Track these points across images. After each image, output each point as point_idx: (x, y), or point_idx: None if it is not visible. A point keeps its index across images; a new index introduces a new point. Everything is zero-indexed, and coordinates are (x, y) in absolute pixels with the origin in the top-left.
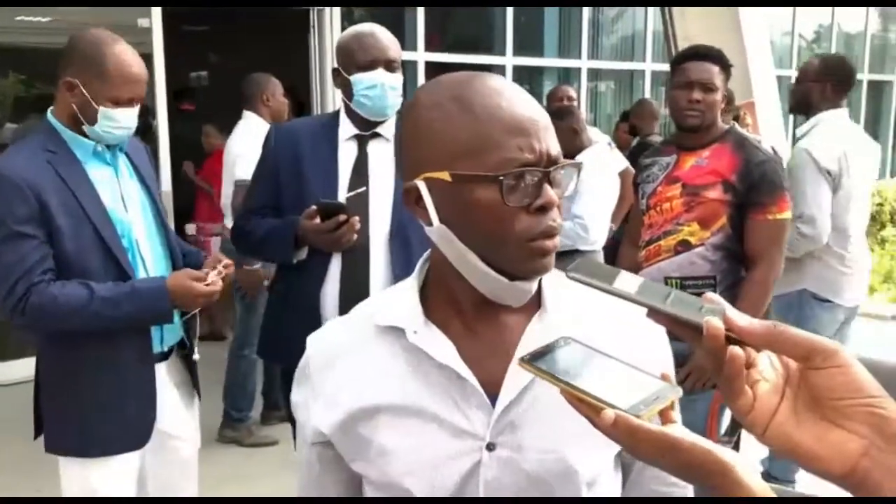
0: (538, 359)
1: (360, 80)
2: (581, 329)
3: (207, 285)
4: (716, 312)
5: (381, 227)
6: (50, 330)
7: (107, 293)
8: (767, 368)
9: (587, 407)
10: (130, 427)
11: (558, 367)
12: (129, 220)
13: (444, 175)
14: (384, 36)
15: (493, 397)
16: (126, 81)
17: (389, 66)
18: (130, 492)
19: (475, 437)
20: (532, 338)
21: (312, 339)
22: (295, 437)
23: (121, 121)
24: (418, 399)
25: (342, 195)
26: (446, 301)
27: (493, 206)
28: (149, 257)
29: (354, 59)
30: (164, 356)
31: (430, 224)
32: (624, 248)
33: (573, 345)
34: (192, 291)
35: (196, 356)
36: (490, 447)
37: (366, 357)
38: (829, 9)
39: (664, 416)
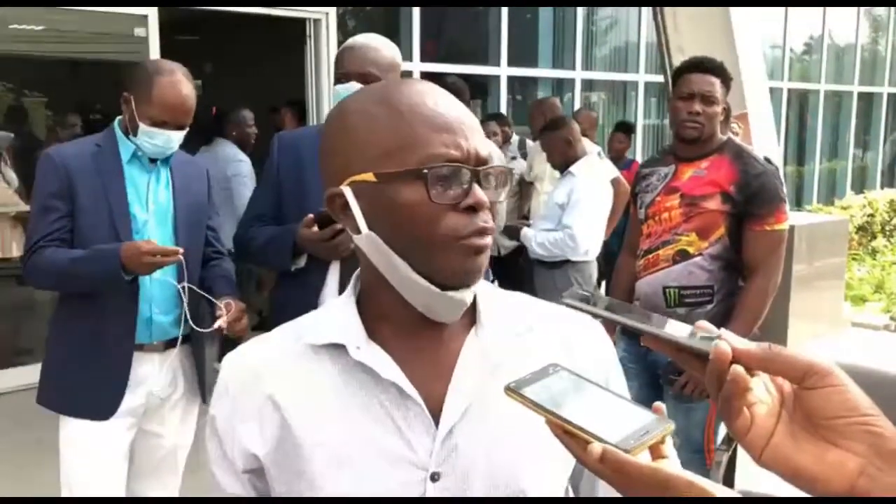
0: (524, 387)
1: (335, 91)
2: (519, 341)
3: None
4: (711, 337)
5: None
6: (43, 287)
7: (78, 254)
8: (762, 392)
9: (573, 440)
10: (94, 397)
11: (544, 397)
12: (145, 219)
13: (369, 176)
14: (367, 48)
15: (435, 420)
16: (164, 108)
17: (364, 78)
18: (107, 464)
19: (418, 466)
20: (469, 354)
21: (231, 359)
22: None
23: (155, 139)
24: (357, 425)
25: None
26: (380, 318)
27: (418, 204)
28: None
29: (335, 71)
30: (157, 349)
31: (358, 232)
32: (622, 257)
33: (561, 373)
34: (139, 252)
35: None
36: (434, 477)
37: (298, 377)
38: (820, 21)
39: (655, 452)
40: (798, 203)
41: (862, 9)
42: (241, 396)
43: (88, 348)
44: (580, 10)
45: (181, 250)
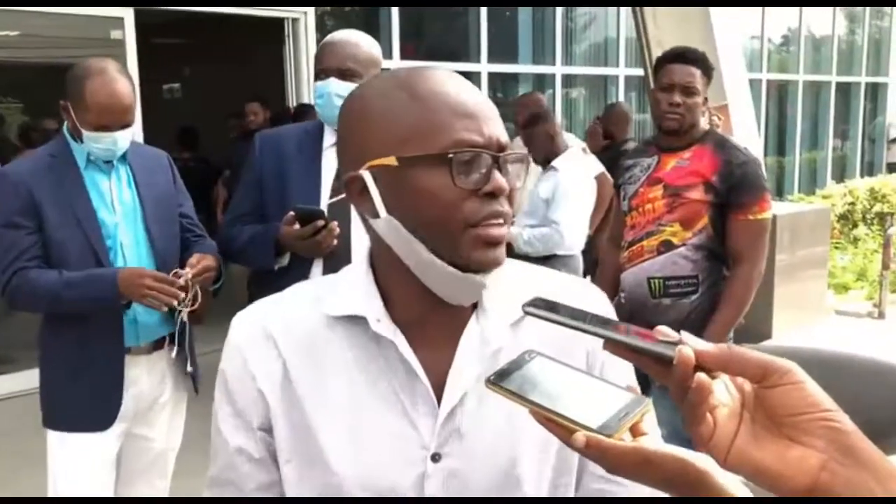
0: (504, 378)
1: (314, 88)
2: (522, 325)
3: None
4: (672, 342)
5: (363, 234)
6: (27, 310)
7: (69, 277)
8: (723, 394)
9: (558, 427)
10: (92, 409)
11: (525, 386)
12: (115, 222)
13: (391, 160)
14: (346, 44)
15: (438, 401)
16: (100, 111)
17: (343, 74)
18: (96, 473)
19: (420, 445)
20: (470, 339)
21: (244, 318)
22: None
23: (102, 143)
24: (363, 401)
25: (324, 202)
26: (390, 298)
27: (441, 188)
28: (131, 259)
29: (315, 67)
30: (144, 351)
31: (376, 216)
32: (606, 249)
33: (538, 359)
34: (138, 284)
35: (172, 354)
36: (435, 458)
37: (310, 347)
38: (797, 12)
39: (634, 430)
40: (779, 193)
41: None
42: (254, 356)
43: (79, 361)
44: (559, 6)
45: (180, 283)
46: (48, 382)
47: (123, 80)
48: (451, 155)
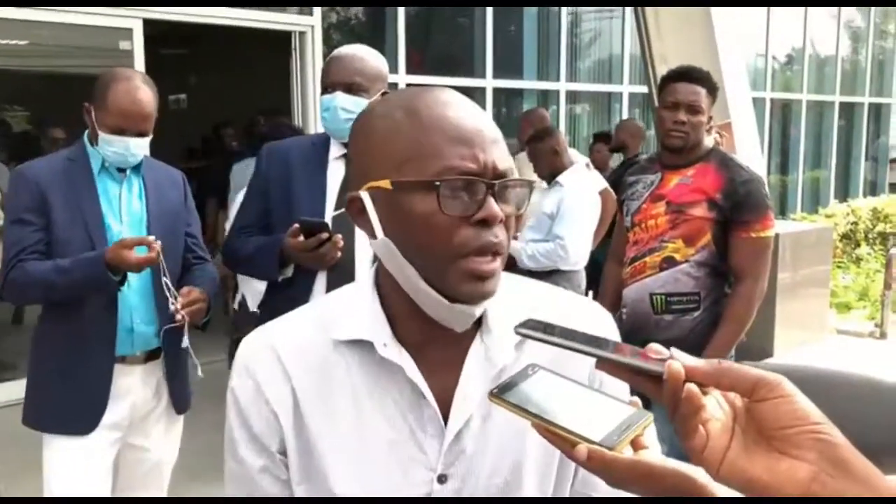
0: (507, 391)
1: (321, 101)
2: (526, 345)
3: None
4: (664, 359)
5: (367, 246)
6: (23, 301)
7: (61, 263)
8: (716, 409)
9: (561, 440)
10: (74, 412)
11: (528, 400)
12: (120, 230)
13: (385, 183)
14: (353, 59)
15: (444, 422)
16: (120, 114)
17: (350, 88)
18: (89, 477)
19: (427, 467)
20: (475, 360)
21: (253, 340)
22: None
23: (116, 147)
24: (370, 424)
25: (329, 214)
26: (394, 317)
27: (430, 215)
28: None
29: (322, 81)
30: (139, 360)
31: (374, 237)
32: (609, 265)
33: (541, 373)
34: (123, 254)
35: (162, 369)
36: (441, 479)
37: (317, 371)
38: (801, 31)
39: (635, 444)
40: (782, 212)
41: (842, 20)
42: (266, 378)
43: (69, 362)
44: (564, 22)
45: (153, 238)
46: (35, 382)
47: (147, 89)
48: (438, 183)
